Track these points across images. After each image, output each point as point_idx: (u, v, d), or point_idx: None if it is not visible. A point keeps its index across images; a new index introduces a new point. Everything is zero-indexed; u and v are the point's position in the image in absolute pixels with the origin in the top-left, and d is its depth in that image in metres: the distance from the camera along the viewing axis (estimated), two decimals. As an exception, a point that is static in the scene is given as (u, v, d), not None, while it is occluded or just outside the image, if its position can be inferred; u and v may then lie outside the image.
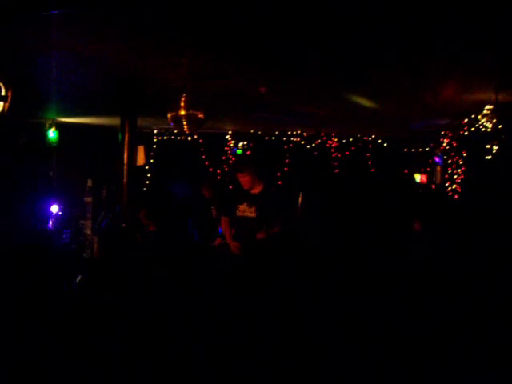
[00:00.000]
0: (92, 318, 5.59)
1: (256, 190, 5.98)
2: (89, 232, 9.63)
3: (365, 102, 6.51)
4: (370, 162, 9.90)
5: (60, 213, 8.85)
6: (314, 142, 10.14)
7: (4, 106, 3.51)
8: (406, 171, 9.82)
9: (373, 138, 10.02)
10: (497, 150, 6.62)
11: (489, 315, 5.71)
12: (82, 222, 9.63)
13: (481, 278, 6.28)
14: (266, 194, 6.01)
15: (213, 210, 7.45)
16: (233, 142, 10.40)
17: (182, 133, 10.13)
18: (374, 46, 3.99)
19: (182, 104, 4.91)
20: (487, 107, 6.25)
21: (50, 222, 8.75)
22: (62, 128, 9.11)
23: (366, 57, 4.38)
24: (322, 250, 7.97)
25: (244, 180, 5.93)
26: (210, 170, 10.29)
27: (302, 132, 10.14)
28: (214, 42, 4.03)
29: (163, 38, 3.90)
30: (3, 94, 3.50)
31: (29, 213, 8.17)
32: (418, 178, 9.73)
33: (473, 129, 7.16)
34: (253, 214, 5.93)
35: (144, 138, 10.04)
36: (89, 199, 9.87)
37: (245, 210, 5.99)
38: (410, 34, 3.65)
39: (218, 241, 6.86)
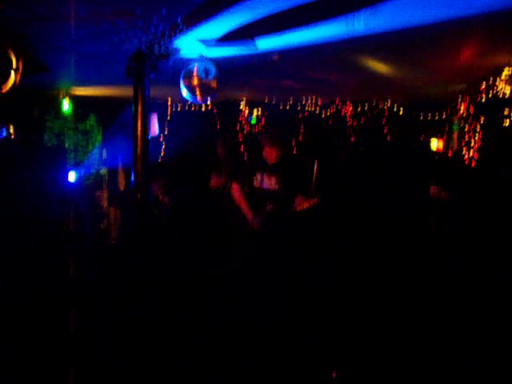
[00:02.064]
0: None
1: (272, 159, 5.83)
2: (105, 203, 9.70)
3: (380, 68, 6.41)
4: (385, 130, 9.79)
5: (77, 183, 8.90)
6: (328, 110, 10.04)
7: (16, 77, 3.50)
8: (422, 138, 9.71)
9: (388, 105, 9.89)
10: (515, 115, 6.52)
11: (503, 283, 5.70)
12: (97, 193, 9.70)
13: (497, 244, 6.25)
14: (285, 164, 5.84)
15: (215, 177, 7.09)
16: (247, 110, 10.33)
17: (195, 102, 10.07)
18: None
19: (195, 73, 4.88)
20: (506, 71, 6.12)
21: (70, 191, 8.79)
22: (75, 100, 9.11)
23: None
24: (338, 218, 7.93)
25: (272, 154, 5.78)
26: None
27: (316, 100, 10.04)
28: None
29: (175, 5, 3.85)
30: (14, 64, 3.48)
31: (47, 183, 8.21)
32: (434, 144, 9.61)
33: (491, 94, 7.03)
34: (274, 187, 5.74)
35: (158, 108, 10.00)
36: (104, 170, 9.92)
37: (264, 181, 5.80)
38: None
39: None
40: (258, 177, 5.81)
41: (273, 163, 5.82)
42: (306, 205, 5.58)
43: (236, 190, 5.91)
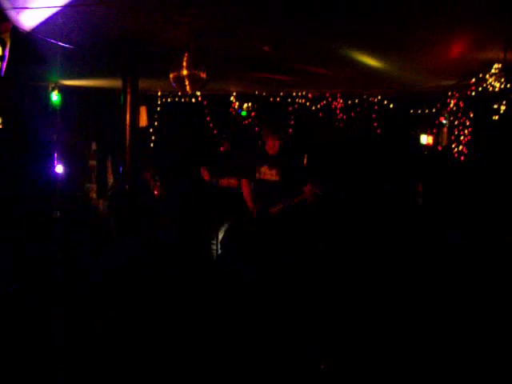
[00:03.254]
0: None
1: (273, 151, 5.90)
2: (94, 195, 9.67)
3: (370, 61, 6.40)
4: (375, 124, 9.80)
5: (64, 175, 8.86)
6: (319, 104, 10.04)
7: (1, 66, 3.46)
8: (412, 132, 9.74)
9: (378, 99, 9.90)
10: (504, 110, 6.53)
11: (491, 276, 5.75)
12: (87, 185, 9.67)
13: (486, 236, 6.30)
14: (284, 155, 5.91)
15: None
16: (237, 103, 10.31)
17: (185, 94, 10.05)
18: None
19: (184, 64, 4.85)
20: (495, 66, 6.14)
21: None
22: (65, 91, 9.03)
23: (370, 15, 4.28)
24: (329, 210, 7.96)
25: (275, 144, 5.86)
26: (215, 131, 10.23)
27: (306, 93, 10.02)
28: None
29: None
30: (0, 53, 3.44)
31: (34, 175, 8.18)
32: (424, 139, 9.64)
33: (480, 89, 7.05)
34: (275, 177, 5.82)
35: (147, 100, 9.95)
36: (93, 162, 9.88)
37: (266, 173, 5.88)
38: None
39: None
40: (261, 169, 5.87)
41: (274, 154, 5.88)
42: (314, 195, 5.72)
43: (245, 186, 6.04)
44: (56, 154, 8.87)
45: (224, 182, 6.56)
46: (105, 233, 8.50)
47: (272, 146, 5.87)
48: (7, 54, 3.49)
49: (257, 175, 5.91)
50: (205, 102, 10.34)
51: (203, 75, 4.89)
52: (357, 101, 9.94)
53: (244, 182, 6.06)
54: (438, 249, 6.74)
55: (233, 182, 6.61)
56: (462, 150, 8.22)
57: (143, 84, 6.58)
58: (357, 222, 8.12)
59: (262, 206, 5.81)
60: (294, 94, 10.05)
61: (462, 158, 8.11)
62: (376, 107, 9.90)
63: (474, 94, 7.39)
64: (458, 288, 5.73)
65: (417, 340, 4.72)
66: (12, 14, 3.87)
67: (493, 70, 6.23)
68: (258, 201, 5.88)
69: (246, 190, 6.03)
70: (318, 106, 10.03)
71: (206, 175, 6.85)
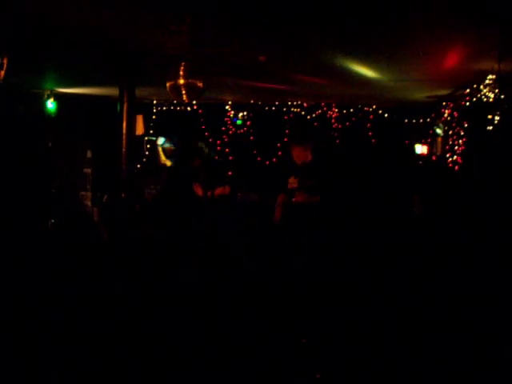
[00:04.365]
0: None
1: (304, 162, 5.98)
2: (89, 203, 9.64)
3: (365, 72, 6.45)
4: (370, 133, 9.84)
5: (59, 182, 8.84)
6: (314, 113, 10.07)
7: (0, 74, 3.47)
8: (406, 142, 9.78)
9: (373, 109, 9.95)
10: (498, 120, 6.57)
11: (488, 281, 5.75)
12: (82, 193, 9.65)
13: (480, 246, 6.31)
14: (310, 165, 5.98)
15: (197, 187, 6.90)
16: (233, 112, 10.33)
17: (181, 103, 10.05)
18: (374, 13, 3.93)
19: (181, 73, 4.88)
20: (489, 77, 6.20)
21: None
22: (60, 99, 9.04)
23: (365, 27, 4.32)
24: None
25: (302, 154, 5.92)
26: (210, 140, 10.22)
27: (302, 102, 10.06)
28: (213, 9, 3.96)
29: (162, 4, 3.84)
30: (-1, 61, 3.45)
31: (29, 182, 8.15)
32: (418, 149, 9.68)
33: (474, 99, 7.10)
34: (295, 185, 5.92)
35: (143, 108, 9.95)
36: (88, 170, 9.86)
37: (292, 183, 5.98)
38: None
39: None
40: (289, 180, 5.99)
41: (298, 164, 5.98)
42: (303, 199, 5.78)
43: (280, 199, 6.09)
44: (51, 162, 8.86)
45: (219, 190, 6.53)
46: (97, 240, 8.45)
47: (299, 156, 5.94)
48: (5, 61, 3.51)
49: (288, 185, 6.03)
50: (200, 111, 10.35)
51: (200, 84, 4.92)
52: (352, 110, 9.98)
53: (280, 197, 6.13)
54: (434, 256, 6.74)
55: (227, 189, 6.61)
56: (457, 159, 8.25)
57: (140, 92, 6.60)
58: (351, 231, 8.12)
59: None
60: (290, 103, 10.09)
61: (457, 167, 8.15)
62: (371, 116, 9.95)
63: (468, 104, 7.44)
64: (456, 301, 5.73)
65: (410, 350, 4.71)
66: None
67: (487, 81, 6.29)
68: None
69: (279, 203, 6.11)
70: (314, 116, 10.06)
71: (198, 191, 6.73)
